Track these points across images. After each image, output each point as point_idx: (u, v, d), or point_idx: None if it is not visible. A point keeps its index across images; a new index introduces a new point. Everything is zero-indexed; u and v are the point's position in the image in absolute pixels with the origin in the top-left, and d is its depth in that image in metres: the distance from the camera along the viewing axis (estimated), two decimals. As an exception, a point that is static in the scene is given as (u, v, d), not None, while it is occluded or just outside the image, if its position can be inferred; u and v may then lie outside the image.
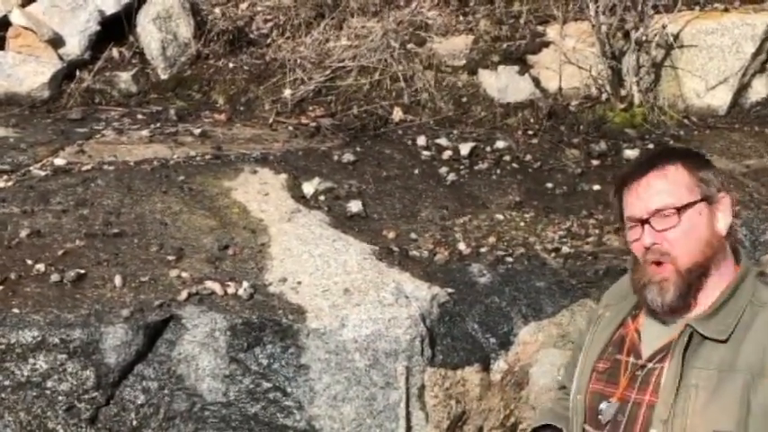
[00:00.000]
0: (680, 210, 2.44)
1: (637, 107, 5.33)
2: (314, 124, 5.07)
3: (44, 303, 3.51)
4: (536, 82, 5.47)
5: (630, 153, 5.00)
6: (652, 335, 2.51)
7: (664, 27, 5.40)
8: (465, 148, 4.89)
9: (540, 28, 5.69)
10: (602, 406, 2.50)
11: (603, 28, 5.31)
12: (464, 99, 5.37)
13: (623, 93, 5.36)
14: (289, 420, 3.53)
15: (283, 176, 4.48)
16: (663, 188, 2.46)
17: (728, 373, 2.37)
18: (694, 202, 2.44)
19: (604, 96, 5.37)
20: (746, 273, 2.50)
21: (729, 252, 2.50)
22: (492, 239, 4.19)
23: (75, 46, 5.39)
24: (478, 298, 3.85)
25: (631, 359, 2.51)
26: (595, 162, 4.94)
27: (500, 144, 4.99)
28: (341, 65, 5.41)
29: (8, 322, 3.42)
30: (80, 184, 4.27)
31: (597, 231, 4.31)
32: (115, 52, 5.52)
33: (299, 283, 3.72)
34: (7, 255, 3.76)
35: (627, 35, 5.39)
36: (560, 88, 5.40)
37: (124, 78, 5.35)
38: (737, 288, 2.46)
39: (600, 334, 2.60)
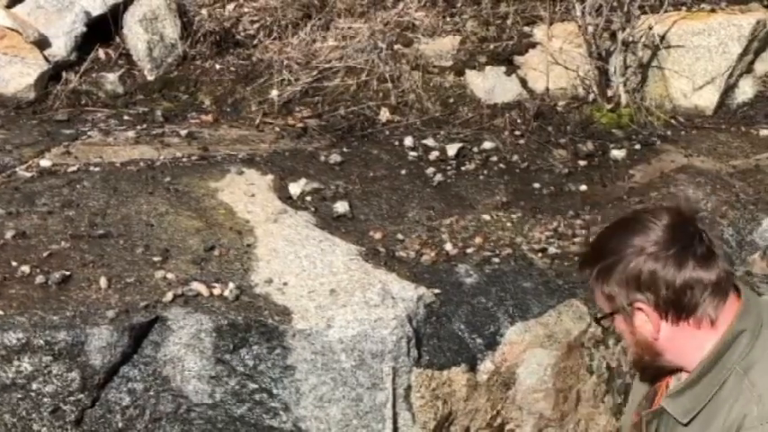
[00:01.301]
0: (602, 318, 2.44)
1: (624, 108, 5.34)
2: (301, 125, 5.06)
3: (29, 305, 3.50)
4: (523, 83, 5.47)
5: (617, 154, 5.01)
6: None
7: (650, 28, 5.41)
8: (452, 149, 4.89)
9: (526, 29, 5.70)
10: None
11: (590, 29, 5.32)
12: (451, 100, 5.37)
13: (610, 93, 5.37)
14: (275, 421, 3.53)
15: (270, 177, 4.47)
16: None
17: None
18: (609, 315, 2.41)
19: (591, 97, 5.38)
20: (736, 334, 2.33)
21: (692, 330, 2.34)
22: (479, 240, 4.19)
23: (61, 47, 5.36)
24: (465, 298, 3.85)
25: None
26: (582, 162, 4.94)
27: (487, 145, 4.99)
28: (328, 66, 5.41)
29: (-8, 324, 3.41)
30: (66, 185, 4.26)
31: (584, 232, 4.31)
32: (101, 53, 5.49)
33: (285, 283, 3.72)
34: (-8, 256, 3.75)
35: (613, 36, 5.40)
36: (547, 89, 5.41)
37: (110, 79, 5.32)
38: (720, 357, 2.32)
39: (639, 385, 2.55)
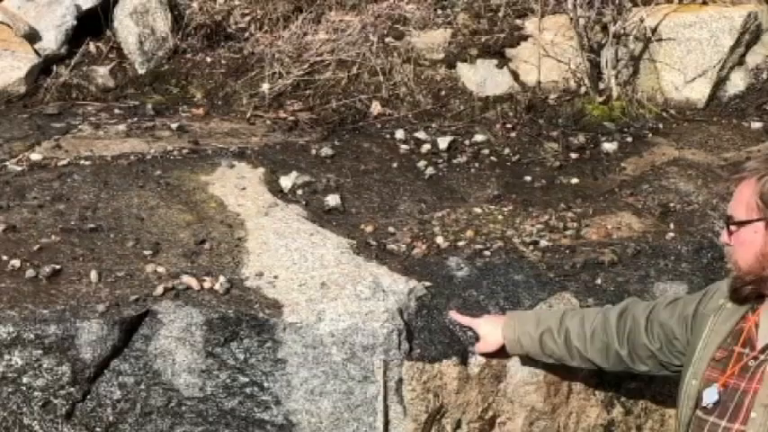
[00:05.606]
0: (736, 224, 2.68)
1: (615, 100, 5.34)
2: (292, 118, 5.05)
3: (19, 299, 3.49)
4: (514, 75, 5.47)
5: (609, 146, 5.01)
6: None
7: (642, 20, 5.41)
8: (443, 142, 4.89)
9: (518, 21, 5.69)
10: (705, 390, 2.70)
11: (581, 21, 5.32)
12: (442, 93, 5.37)
13: (602, 86, 5.37)
14: (266, 415, 3.53)
15: (261, 170, 4.47)
16: (734, 198, 2.73)
17: None
18: (748, 221, 2.66)
19: (583, 90, 5.38)
20: None
21: None
22: (470, 233, 4.19)
23: (51, 41, 5.36)
24: (456, 291, 3.84)
25: (746, 350, 2.68)
26: (574, 155, 4.94)
27: (478, 137, 4.99)
28: (319, 59, 5.40)
29: (-18, 318, 3.40)
30: (56, 179, 4.25)
31: (575, 225, 4.31)
32: (92, 47, 5.48)
33: (276, 277, 3.71)
34: (-18, 250, 3.74)
35: (605, 28, 5.41)
36: (539, 82, 5.41)
37: (101, 73, 5.32)
38: None
39: (721, 325, 2.76)
